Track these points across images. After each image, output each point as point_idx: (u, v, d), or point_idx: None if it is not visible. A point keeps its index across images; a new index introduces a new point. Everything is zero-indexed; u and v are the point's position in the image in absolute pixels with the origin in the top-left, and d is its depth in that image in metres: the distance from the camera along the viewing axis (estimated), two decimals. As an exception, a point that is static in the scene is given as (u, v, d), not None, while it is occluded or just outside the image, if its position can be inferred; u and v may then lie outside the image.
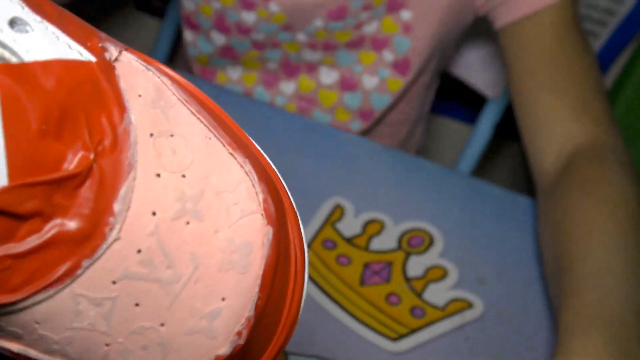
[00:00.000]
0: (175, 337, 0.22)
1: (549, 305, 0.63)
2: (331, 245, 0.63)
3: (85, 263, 0.20)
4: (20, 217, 0.19)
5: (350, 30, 0.74)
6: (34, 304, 0.20)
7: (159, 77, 0.23)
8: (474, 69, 0.96)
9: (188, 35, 0.81)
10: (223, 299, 0.22)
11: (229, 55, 0.80)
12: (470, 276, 0.63)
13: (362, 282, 0.61)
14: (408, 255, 0.64)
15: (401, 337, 0.58)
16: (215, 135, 0.23)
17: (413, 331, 0.58)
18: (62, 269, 0.20)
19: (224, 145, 0.23)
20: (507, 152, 1.48)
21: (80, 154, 0.20)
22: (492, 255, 0.66)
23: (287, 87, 0.82)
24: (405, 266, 0.63)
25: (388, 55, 0.76)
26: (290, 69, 0.80)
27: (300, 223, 0.26)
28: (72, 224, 0.20)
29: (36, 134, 0.19)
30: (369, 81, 0.79)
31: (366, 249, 0.63)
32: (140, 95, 0.22)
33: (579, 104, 0.66)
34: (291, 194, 0.26)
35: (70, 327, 0.21)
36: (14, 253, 0.19)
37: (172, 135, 0.22)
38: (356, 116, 0.82)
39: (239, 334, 0.22)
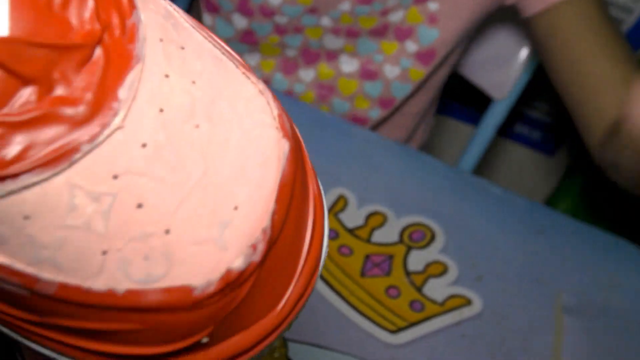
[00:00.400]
0: (181, 246, 0.19)
1: (545, 307, 0.63)
2: (333, 235, 0.63)
3: (84, 147, 0.18)
4: (18, 77, 0.17)
5: (376, 16, 0.74)
6: (24, 188, 0.18)
7: (171, 5, 0.22)
8: (481, 69, 0.97)
9: (206, 19, 0.81)
10: (236, 208, 0.20)
11: (248, 40, 0.80)
12: (470, 273, 0.64)
13: (363, 274, 0.61)
14: (409, 249, 0.64)
15: (400, 329, 0.58)
16: (227, 57, 0.22)
17: (411, 325, 0.59)
18: (58, 149, 0.18)
19: (236, 66, 0.22)
20: (507, 153, 1.49)
21: (87, 28, 0.18)
22: (492, 253, 0.66)
23: (306, 74, 0.81)
24: (406, 260, 0.63)
25: (411, 46, 0.77)
26: (310, 57, 0.80)
27: (320, 182, 0.24)
28: (72, 102, 0.18)
29: None
30: (391, 71, 0.79)
31: (368, 240, 0.63)
32: (151, 7, 0.20)
33: (629, 71, 0.69)
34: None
35: (64, 225, 0.18)
36: (8, 121, 0.17)
37: (182, 48, 0.20)
38: (376, 104, 0.82)
39: (253, 247, 0.20)
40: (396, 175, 0.70)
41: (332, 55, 0.79)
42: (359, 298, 0.59)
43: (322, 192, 0.24)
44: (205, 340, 0.21)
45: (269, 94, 0.22)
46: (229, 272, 0.20)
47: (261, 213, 0.20)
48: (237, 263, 0.20)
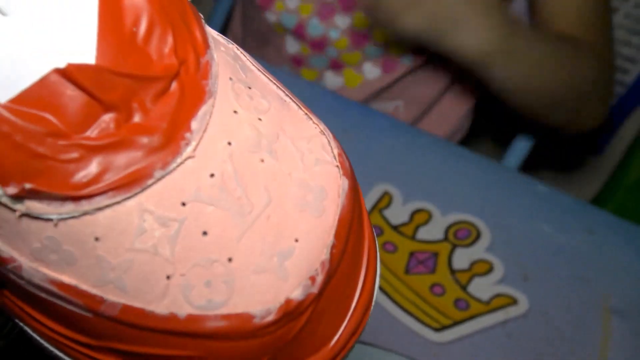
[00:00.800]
0: (242, 274, 0.20)
1: (592, 308, 0.62)
2: (378, 232, 0.63)
3: (157, 174, 0.19)
4: (101, 104, 0.18)
5: None
6: (97, 209, 0.18)
7: (239, 49, 0.23)
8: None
9: None
10: (296, 240, 0.21)
11: None
12: (516, 272, 0.63)
13: (407, 271, 0.61)
14: (454, 247, 0.63)
15: (444, 328, 0.58)
16: (290, 98, 0.23)
17: (456, 323, 0.58)
18: (133, 174, 0.19)
19: (299, 107, 0.23)
20: (555, 151, 1.47)
21: (166, 62, 0.19)
22: (538, 252, 0.65)
23: (343, 21, 0.82)
24: (451, 258, 0.62)
25: None
26: (347, 2, 0.81)
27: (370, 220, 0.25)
28: (149, 131, 0.19)
29: (128, 31, 0.19)
30: None
31: (412, 237, 0.63)
32: (222, 50, 0.22)
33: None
34: None
35: (132, 248, 0.19)
36: (88, 144, 0.18)
37: (249, 87, 0.22)
38: (409, 51, 0.83)
39: (312, 279, 0.21)
40: (441, 171, 0.70)
41: None
42: (403, 295, 0.59)
43: (374, 233, 0.25)
44: None
45: (329, 134, 0.23)
46: (288, 301, 0.20)
47: (320, 246, 0.21)
48: (296, 293, 0.20)
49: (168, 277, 0.19)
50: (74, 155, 0.18)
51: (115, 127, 0.19)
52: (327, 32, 0.83)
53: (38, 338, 0.22)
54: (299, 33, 0.85)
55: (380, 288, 0.59)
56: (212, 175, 0.19)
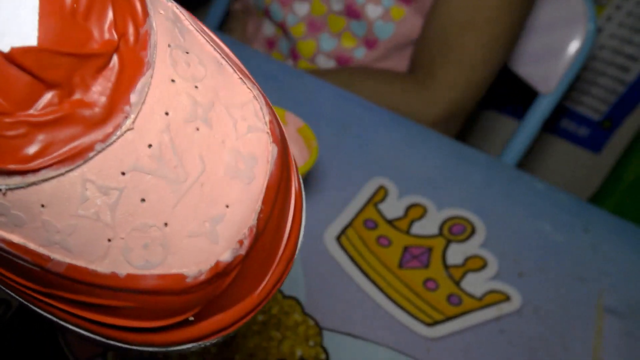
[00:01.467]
0: (177, 238, 0.21)
1: (586, 306, 0.62)
2: (372, 225, 0.62)
3: (98, 146, 0.20)
4: (43, 82, 0.19)
5: None
6: (43, 180, 0.20)
7: (177, 8, 0.24)
8: (528, 62, 0.95)
9: None
10: (227, 206, 0.22)
11: None
12: (510, 269, 0.63)
13: (401, 265, 0.60)
14: (449, 242, 0.63)
15: (436, 323, 0.57)
16: (226, 62, 0.24)
17: (448, 318, 0.58)
18: (75, 147, 0.20)
19: (234, 71, 0.24)
20: (552, 149, 1.46)
21: (106, 37, 0.20)
22: (533, 250, 0.65)
23: (301, 8, 0.86)
24: (445, 253, 0.62)
25: None
26: None
27: (299, 175, 0.27)
28: (89, 105, 0.20)
29: (69, 7, 0.19)
30: (373, 11, 0.83)
31: (407, 232, 0.63)
32: (161, 13, 0.23)
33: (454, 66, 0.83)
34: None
35: (75, 214, 0.20)
36: (32, 121, 0.19)
37: (187, 52, 0.23)
38: (361, 44, 0.86)
39: (240, 242, 0.22)
40: (438, 166, 0.70)
41: None
42: (396, 289, 0.59)
43: (302, 186, 0.27)
44: (191, 319, 0.23)
45: (262, 100, 0.24)
46: (218, 263, 0.22)
47: (249, 212, 0.23)
48: (226, 256, 0.22)
49: (109, 240, 0.21)
50: (20, 131, 0.19)
51: (58, 103, 0.20)
52: (285, 17, 0.87)
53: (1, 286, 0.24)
54: (267, 15, 0.89)
55: (373, 282, 0.59)
56: (150, 145, 0.21)
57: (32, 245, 0.21)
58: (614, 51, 1.28)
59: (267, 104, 0.24)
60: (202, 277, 0.22)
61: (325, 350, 0.53)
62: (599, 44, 1.28)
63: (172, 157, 0.21)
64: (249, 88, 0.24)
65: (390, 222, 0.63)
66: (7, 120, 0.19)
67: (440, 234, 0.64)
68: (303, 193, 0.27)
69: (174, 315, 0.23)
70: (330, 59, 0.87)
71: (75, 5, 0.20)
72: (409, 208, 0.65)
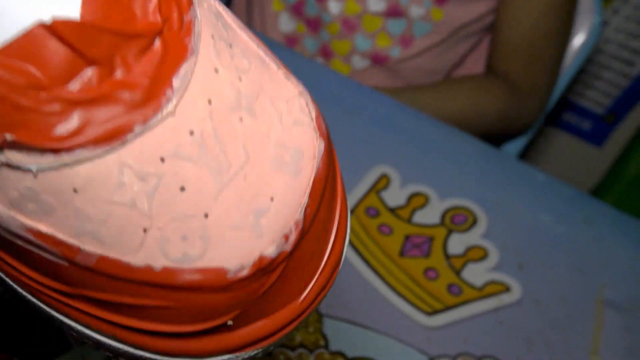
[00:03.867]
0: (218, 230, 0.20)
1: (586, 299, 0.62)
2: (374, 213, 0.62)
3: (137, 129, 0.19)
4: (83, 58, 0.18)
5: None
6: (77, 162, 0.19)
7: (220, 5, 0.23)
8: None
9: None
10: (272, 199, 0.21)
11: None
12: (511, 260, 0.63)
13: (402, 254, 0.60)
14: (450, 232, 0.63)
15: (436, 312, 0.57)
16: (270, 59, 0.23)
17: (448, 308, 0.58)
18: (114, 128, 0.19)
19: (279, 68, 0.23)
20: (555, 142, 1.46)
21: (150, 19, 0.19)
22: (535, 241, 0.65)
23: (335, 6, 0.84)
24: (446, 243, 0.62)
25: None
26: None
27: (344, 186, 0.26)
28: (130, 86, 0.19)
29: None
30: (415, 11, 0.82)
31: (409, 221, 0.63)
32: (204, 6, 0.22)
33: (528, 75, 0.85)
34: (339, 157, 0.27)
35: (110, 201, 0.19)
36: (69, 98, 0.18)
37: (230, 46, 0.22)
38: (397, 43, 0.85)
39: (286, 237, 0.21)
40: (441, 156, 0.69)
41: None
42: (396, 278, 0.59)
43: (346, 197, 0.25)
44: (230, 323, 0.22)
45: (307, 96, 0.23)
46: (262, 258, 0.21)
47: (295, 206, 0.21)
48: (270, 250, 0.21)
49: (145, 230, 0.20)
50: (56, 107, 0.18)
51: (97, 82, 0.19)
52: (320, 14, 0.85)
53: (13, 284, 0.22)
54: (297, 10, 0.86)
55: (374, 269, 0.59)
56: (191, 132, 0.20)
57: (61, 236, 0.20)
58: (620, 45, 1.28)
59: (312, 100, 0.23)
60: (245, 273, 0.21)
61: (324, 337, 0.53)
62: (604, 37, 1.27)
63: (215, 145, 0.20)
64: (293, 84, 0.23)
65: (392, 211, 0.63)
66: (43, 94, 0.18)
67: (442, 223, 0.63)
68: (347, 202, 0.25)
69: (212, 318, 0.21)
70: (365, 59, 0.87)
71: None
72: (411, 197, 0.65)
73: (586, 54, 0.92)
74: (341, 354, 0.53)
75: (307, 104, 0.23)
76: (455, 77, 0.91)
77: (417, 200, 0.64)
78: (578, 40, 0.91)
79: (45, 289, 0.21)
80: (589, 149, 1.44)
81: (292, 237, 0.21)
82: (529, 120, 0.89)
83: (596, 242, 0.67)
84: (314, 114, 0.23)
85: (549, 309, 0.60)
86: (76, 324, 0.22)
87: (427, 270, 0.60)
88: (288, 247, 0.21)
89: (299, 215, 0.21)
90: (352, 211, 0.62)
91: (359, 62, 0.87)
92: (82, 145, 0.18)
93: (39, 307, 0.23)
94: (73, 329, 0.23)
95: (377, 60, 0.86)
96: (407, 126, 0.71)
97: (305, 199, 0.22)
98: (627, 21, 1.24)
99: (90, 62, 0.18)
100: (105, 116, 0.19)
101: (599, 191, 1.30)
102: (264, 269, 0.21)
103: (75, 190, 0.19)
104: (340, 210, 0.24)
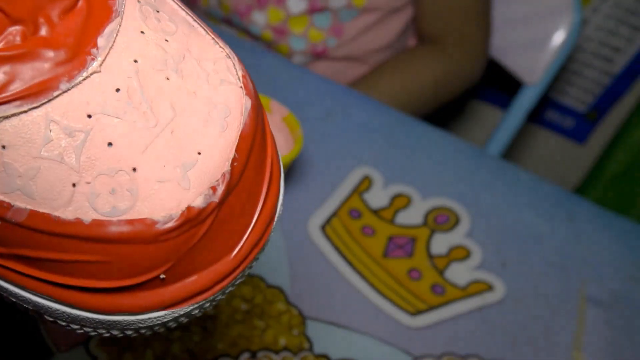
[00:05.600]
0: (146, 183, 0.21)
1: (569, 296, 0.62)
2: (357, 215, 0.62)
3: (63, 86, 0.19)
4: (7, 16, 0.19)
5: None
6: (4, 118, 0.19)
7: None
8: (513, 53, 0.95)
9: None
10: (199, 153, 0.21)
11: None
12: (494, 259, 0.63)
13: (385, 255, 0.60)
14: (433, 232, 0.63)
15: (419, 312, 0.58)
16: (198, 24, 0.24)
17: (432, 308, 0.58)
18: (39, 84, 0.19)
19: (206, 32, 0.24)
20: (537, 140, 1.47)
21: None
22: (517, 240, 0.65)
23: (260, 17, 0.86)
24: (429, 243, 0.62)
25: None
26: (260, 0, 0.85)
27: (278, 151, 0.26)
28: (55, 45, 0.19)
29: None
30: (336, 2, 0.83)
31: (392, 222, 0.63)
32: None
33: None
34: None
35: (39, 156, 0.20)
36: None
37: (157, 11, 0.22)
38: (329, 34, 0.86)
39: (213, 188, 0.22)
40: (423, 156, 0.70)
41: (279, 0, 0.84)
42: (380, 279, 0.59)
43: (279, 156, 0.26)
44: (162, 276, 0.22)
45: (235, 58, 0.24)
46: (189, 209, 0.21)
47: (222, 159, 0.22)
48: (198, 201, 0.21)
49: (74, 185, 0.20)
50: None
51: (22, 39, 0.19)
52: (247, 27, 0.87)
53: None
54: (227, 22, 0.90)
55: (357, 271, 0.59)
56: (117, 89, 0.20)
57: None
58: (600, 43, 1.29)
59: (239, 62, 0.24)
60: (173, 224, 0.21)
61: (308, 339, 0.53)
62: (584, 36, 1.28)
63: (141, 102, 0.21)
64: (221, 47, 0.24)
65: (374, 212, 0.63)
66: None
67: (425, 223, 0.64)
68: (280, 161, 0.26)
69: (143, 272, 0.22)
70: (306, 56, 0.88)
71: None
72: (394, 197, 0.65)
73: (567, 52, 0.92)
74: (326, 356, 0.53)
75: (234, 65, 0.24)
76: (403, 50, 0.93)
77: (400, 201, 0.65)
78: (558, 38, 0.91)
79: None
80: (571, 147, 1.45)
81: (220, 189, 0.22)
82: (469, 79, 0.91)
83: (578, 239, 0.67)
84: (240, 74, 0.23)
85: (532, 306, 0.61)
86: (13, 286, 0.23)
87: (410, 270, 0.60)
88: (216, 199, 0.22)
89: (226, 167, 0.22)
90: (335, 213, 0.62)
91: (301, 60, 0.89)
92: (8, 101, 0.19)
93: None
94: (11, 293, 0.23)
95: (317, 54, 0.88)
96: (389, 127, 0.71)
97: (232, 153, 0.22)
98: (607, 19, 1.25)
99: (14, 20, 0.19)
100: (30, 73, 0.19)
101: (581, 188, 1.31)
102: (192, 220, 0.21)
103: (3, 147, 0.19)
104: (272, 167, 0.25)
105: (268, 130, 0.25)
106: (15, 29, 0.19)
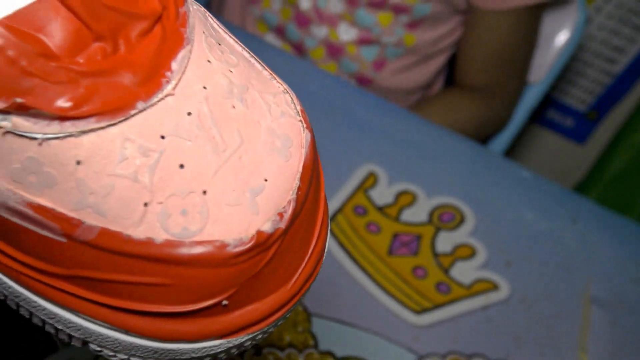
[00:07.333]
0: (217, 206, 0.21)
1: (573, 296, 0.62)
2: (362, 211, 0.62)
3: (140, 105, 0.20)
4: (92, 32, 0.19)
5: None
6: (82, 132, 0.19)
7: (206, 12, 0.24)
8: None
9: None
10: (266, 180, 0.22)
11: None
12: (498, 258, 0.63)
13: (390, 252, 0.60)
14: (438, 230, 0.63)
15: (424, 310, 0.57)
16: (255, 59, 0.25)
17: (436, 306, 0.58)
18: (118, 102, 0.19)
19: (263, 68, 0.25)
20: (538, 139, 1.47)
21: (151, 5, 0.20)
22: (522, 239, 0.65)
23: (319, 31, 0.84)
24: (434, 241, 0.62)
25: (404, 18, 0.81)
26: (321, 16, 0.84)
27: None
28: (134, 64, 0.20)
29: None
30: (387, 40, 0.84)
31: (397, 219, 0.63)
32: (195, 7, 0.23)
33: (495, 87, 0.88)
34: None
35: (113, 173, 0.20)
36: (76, 69, 0.19)
37: (219, 44, 0.23)
38: (371, 67, 0.87)
39: (280, 215, 0.22)
40: (428, 154, 0.69)
41: (334, 22, 0.83)
42: (384, 276, 0.58)
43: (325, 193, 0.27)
44: (224, 302, 0.22)
45: (292, 93, 0.24)
46: (259, 233, 0.21)
47: (287, 187, 0.22)
48: (267, 226, 0.21)
49: (146, 204, 0.20)
50: (64, 77, 0.19)
51: (102, 56, 0.19)
52: (303, 39, 0.86)
53: None
54: (280, 32, 0.88)
55: (362, 268, 0.58)
56: (189, 113, 0.21)
57: (61, 209, 0.20)
58: (602, 42, 1.28)
59: (296, 98, 0.24)
60: (245, 247, 0.21)
61: (313, 336, 0.53)
62: (587, 35, 1.28)
63: (211, 127, 0.21)
64: (279, 82, 0.24)
65: (380, 209, 0.63)
66: (53, 64, 0.19)
67: (430, 221, 0.63)
68: (326, 199, 0.26)
69: (209, 296, 0.21)
70: (351, 79, 0.88)
71: None
72: (399, 195, 0.64)
73: (570, 51, 0.92)
74: (330, 353, 0.53)
75: (292, 100, 0.24)
76: (430, 95, 0.94)
77: (405, 199, 0.64)
78: (562, 37, 0.91)
79: (32, 272, 0.21)
80: (572, 146, 1.44)
81: (287, 216, 0.22)
82: (501, 125, 0.94)
83: (581, 239, 0.67)
84: (299, 108, 0.24)
85: (536, 306, 0.61)
86: (64, 311, 0.22)
87: (415, 268, 0.60)
88: (283, 225, 0.22)
89: (291, 195, 0.22)
90: (340, 210, 0.62)
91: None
92: (87, 116, 0.19)
93: (26, 295, 0.22)
94: (59, 319, 0.23)
95: (362, 81, 0.88)
96: (394, 125, 0.71)
97: (296, 181, 0.22)
98: (609, 19, 1.25)
99: (96, 36, 0.19)
100: (109, 90, 0.19)
101: (582, 188, 1.31)
102: (261, 245, 0.21)
103: (78, 162, 0.19)
104: (324, 203, 0.25)
105: (320, 167, 0.25)
106: (97, 45, 0.19)
